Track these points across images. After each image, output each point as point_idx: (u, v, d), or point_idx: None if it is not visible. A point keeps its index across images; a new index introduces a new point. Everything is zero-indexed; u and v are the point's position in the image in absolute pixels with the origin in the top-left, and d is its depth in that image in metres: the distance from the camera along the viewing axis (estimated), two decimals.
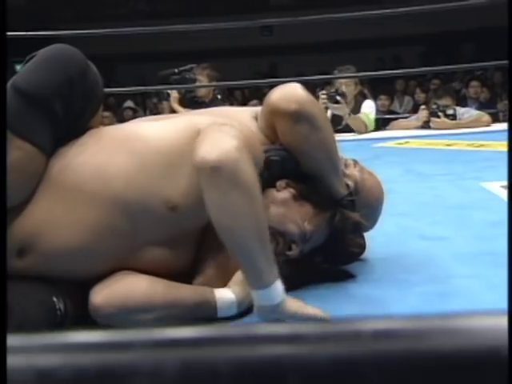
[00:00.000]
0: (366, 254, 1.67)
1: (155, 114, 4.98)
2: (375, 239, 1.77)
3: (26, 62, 1.23)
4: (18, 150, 1.17)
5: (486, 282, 1.39)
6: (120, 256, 1.25)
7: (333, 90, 4.45)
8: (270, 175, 1.33)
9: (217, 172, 1.11)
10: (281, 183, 1.40)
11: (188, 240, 1.32)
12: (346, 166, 1.55)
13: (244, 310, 1.30)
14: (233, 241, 1.14)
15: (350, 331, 0.29)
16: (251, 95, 7.90)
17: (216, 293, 1.27)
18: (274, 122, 1.37)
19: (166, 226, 1.26)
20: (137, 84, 7.07)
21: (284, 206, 1.36)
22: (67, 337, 0.30)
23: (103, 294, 1.21)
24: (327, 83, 5.67)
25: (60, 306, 1.20)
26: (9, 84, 1.19)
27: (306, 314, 1.19)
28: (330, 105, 4.35)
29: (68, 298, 1.22)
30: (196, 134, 1.22)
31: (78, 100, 1.22)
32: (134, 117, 7.30)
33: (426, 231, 1.85)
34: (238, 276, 1.28)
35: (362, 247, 1.47)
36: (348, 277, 1.50)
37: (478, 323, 0.29)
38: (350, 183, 1.51)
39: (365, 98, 4.80)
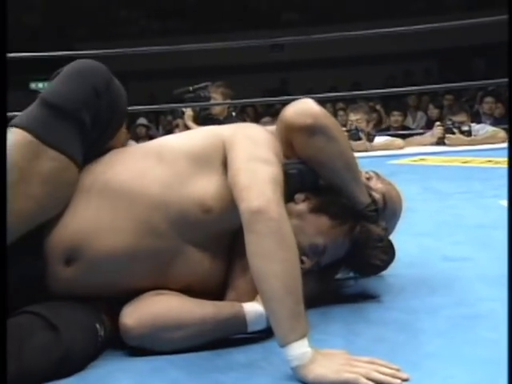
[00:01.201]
0: (391, 275, 1.66)
1: (169, 131, 5.02)
2: (398, 260, 1.76)
3: (53, 78, 1.28)
4: (53, 162, 1.20)
5: None
6: (161, 259, 1.27)
7: (354, 127, 4.49)
8: (288, 189, 1.32)
9: (258, 216, 1.15)
10: (299, 196, 1.40)
11: (222, 245, 1.35)
12: (369, 179, 1.55)
13: None
14: (259, 286, 1.14)
15: None
16: (264, 112, 7.92)
17: (245, 307, 1.26)
18: (290, 137, 1.39)
19: (202, 229, 1.29)
20: (148, 101, 7.12)
21: (298, 219, 1.36)
22: None
23: (134, 315, 1.22)
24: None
25: (101, 332, 1.20)
26: (37, 100, 1.24)
27: (330, 381, 1.05)
28: (352, 142, 4.39)
29: (107, 322, 1.23)
30: (220, 140, 1.34)
31: (105, 111, 1.27)
32: (147, 134, 7.35)
33: (449, 252, 1.84)
34: None
35: (385, 261, 1.45)
36: (374, 300, 1.49)
37: None
38: (378, 196, 1.52)
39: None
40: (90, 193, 1.27)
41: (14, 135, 1.18)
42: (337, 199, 1.40)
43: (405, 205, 1.62)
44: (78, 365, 1.14)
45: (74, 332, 1.13)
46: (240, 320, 1.25)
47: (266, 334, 1.26)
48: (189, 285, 1.31)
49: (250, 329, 1.26)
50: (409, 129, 6.75)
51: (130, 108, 6.19)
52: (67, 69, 1.28)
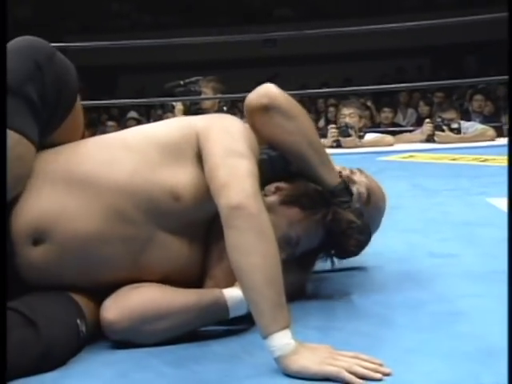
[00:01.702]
0: (376, 270, 1.67)
1: None
2: (384, 255, 1.78)
3: None
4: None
5: (497, 300, 1.38)
6: (132, 246, 1.27)
7: (343, 124, 4.49)
8: (260, 175, 1.30)
9: (237, 212, 1.16)
10: (269, 187, 1.41)
11: (197, 234, 1.34)
12: (353, 173, 1.57)
13: None
14: (241, 280, 1.14)
15: None
16: None
17: (225, 293, 1.27)
18: (252, 121, 1.41)
19: (173, 217, 1.29)
20: (139, 95, 7.08)
21: (270, 212, 1.30)
22: None
23: (114, 308, 1.22)
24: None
25: (82, 328, 1.19)
26: None
27: (311, 375, 1.05)
28: (342, 138, 4.39)
29: (88, 317, 1.22)
30: (193, 131, 1.32)
31: (51, 85, 1.25)
32: None
33: (435, 248, 1.85)
34: None
35: (361, 241, 1.45)
36: (355, 294, 1.49)
37: None
38: (362, 189, 1.53)
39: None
40: (55, 180, 1.26)
41: None
42: (307, 187, 1.41)
43: (388, 201, 1.63)
44: (59, 361, 1.13)
45: (53, 328, 1.12)
46: (221, 306, 1.25)
47: (245, 326, 1.27)
48: (166, 275, 1.30)
49: (232, 314, 1.26)
50: (399, 126, 6.77)
51: (120, 101, 6.16)
52: (9, 46, 1.26)
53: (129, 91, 10.73)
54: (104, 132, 6.93)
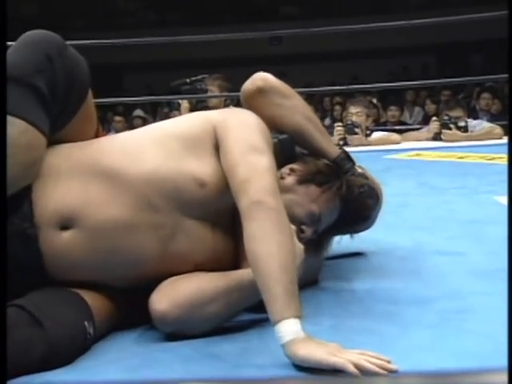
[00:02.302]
0: (384, 268, 1.67)
1: None
2: (392, 253, 1.77)
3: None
4: (10, 126, 1.18)
5: (504, 298, 1.37)
6: (161, 234, 1.28)
7: (349, 122, 4.48)
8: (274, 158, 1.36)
9: (256, 206, 1.20)
10: (284, 170, 1.46)
11: (223, 221, 1.36)
12: (339, 146, 1.67)
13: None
14: (256, 266, 1.15)
15: None
16: None
17: None
18: (251, 107, 1.47)
19: (198, 204, 1.31)
20: (145, 93, 7.09)
21: (290, 193, 1.41)
22: None
23: (165, 300, 1.23)
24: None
25: (90, 330, 1.19)
26: None
27: (317, 363, 1.04)
28: (348, 136, 4.38)
29: (97, 318, 1.22)
30: (211, 124, 1.36)
31: (61, 77, 1.25)
32: (144, 125, 7.31)
33: (442, 246, 1.84)
34: None
35: (373, 205, 1.55)
36: (363, 291, 1.49)
37: None
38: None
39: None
40: (83, 170, 1.28)
41: None
42: (317, 164, 1.48)
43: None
44: (63, 362, 1.12)
45: (59, 329, 1.11)
46: None
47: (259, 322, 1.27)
48: (196, 265, 1.31)
49: None
50: (406, 124, 6.74)
51: (126, 99, 6.15)
52: (18, 40, 1.27)
53: (135, 89, 10.74)
54: (112, 129, 6.95)
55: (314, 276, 1.52)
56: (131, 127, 6.36)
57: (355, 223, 1.57)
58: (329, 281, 1.57)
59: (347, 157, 1.54)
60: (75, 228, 1.24)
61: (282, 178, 1.43)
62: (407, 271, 1.63)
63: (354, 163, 1.55)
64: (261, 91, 1.47)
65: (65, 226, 1.23)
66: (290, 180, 1.44)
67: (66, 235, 1.23)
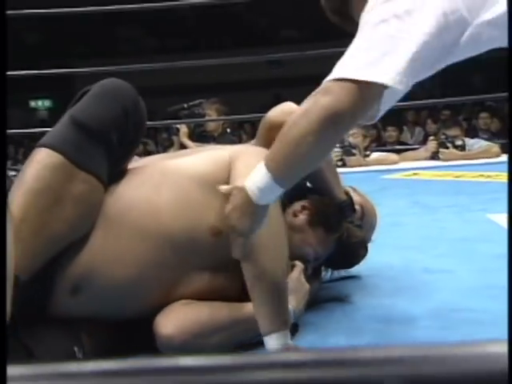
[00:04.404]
0: (371, 286, 1.68)
1: (167, 147, 5.03)
2: (381, 272, 1.79)
3: (81, 96, 1.27)
4: (84, 184, 1.20)
5: (490, 315, 1.38)
6: (166, 287, 1.28)
7: (346, 143, 4.52)
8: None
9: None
10: (296, 207, 1.50)
11: (236, 265, 1.34)
12: (346, 193, 1.64)
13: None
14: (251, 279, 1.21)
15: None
16: None
17: None
18: (272, 136, 1.42)
19: (211, 253, 1.30)
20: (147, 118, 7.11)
21: (301, 233, 1.47)
22: None
23: (171, 324, 1.22)
24: None
25: (79, 355, 1.19)
26: (66, 117, 1.23)
27: None
28: (346, 158, 4.41)
29: (86, 343, 1.22)
30: (226, 163, 1.34)
31: (132, 130, 1.27)
32: (145, 150, 7.37)
33: (430, 264, 1.85)
34: (290, 286, 1.34)
35: (363, 256, 1.61)
36: (350, 309, 1.51)
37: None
38: (357, 207, 1.63)
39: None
40: (105, 219, 1.25)
41: (47, 157, 1.17)
42: (327, 207, 1.51)
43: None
44: None
45: (48, 354, 1.12)
46: None
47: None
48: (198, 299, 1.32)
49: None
50: (406, 144, 6.75)
51: None
52: (97, 88, 1.27)
53: None
54: None
55: (314, 298, 1.54)
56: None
57: (342, 266, 1.64)
58: (321, 299, 1.59)
59: (351, 203, 1.59)
60: (84, 291, 1.21)
61: (295, 215, 1.48)
62: (395, 289, 1.64)
63: (355, 211, 1.61)
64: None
65: (76, 289, 1.21)
66: (301, 219, 1.48)
67: (75, 300, 1.21)
